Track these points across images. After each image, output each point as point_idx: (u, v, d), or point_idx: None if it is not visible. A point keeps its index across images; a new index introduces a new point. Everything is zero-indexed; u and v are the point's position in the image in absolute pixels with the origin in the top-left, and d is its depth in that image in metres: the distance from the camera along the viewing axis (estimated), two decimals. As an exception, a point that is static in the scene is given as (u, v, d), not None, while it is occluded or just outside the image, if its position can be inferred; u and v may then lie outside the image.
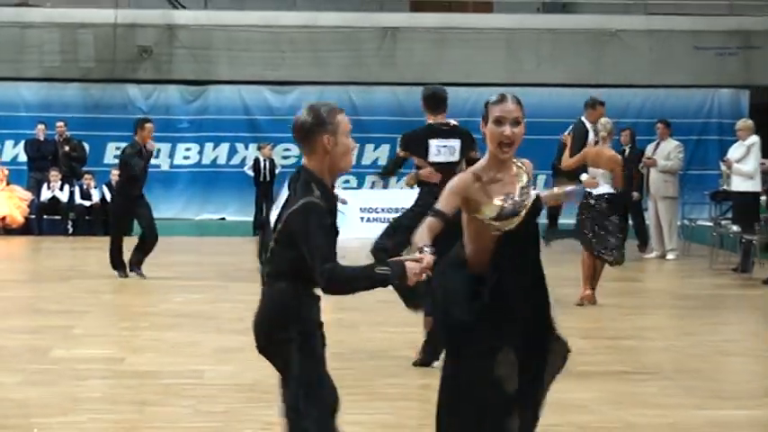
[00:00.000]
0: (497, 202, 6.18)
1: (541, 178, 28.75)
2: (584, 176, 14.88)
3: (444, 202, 6.22)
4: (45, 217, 25.98)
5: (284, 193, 6.13)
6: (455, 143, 11.36)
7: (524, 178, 6.32)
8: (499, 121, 6.17)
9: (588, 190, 14.57)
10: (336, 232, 5.96)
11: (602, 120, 15.33)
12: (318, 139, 5.94)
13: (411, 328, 11.27)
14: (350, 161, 6.10)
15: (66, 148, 26.83)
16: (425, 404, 9.23)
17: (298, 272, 5.90)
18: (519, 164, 6.39)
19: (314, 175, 5.94)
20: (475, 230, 6.26)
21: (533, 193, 6.31)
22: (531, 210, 6.26)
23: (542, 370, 6.48)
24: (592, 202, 14.72)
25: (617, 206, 15.03)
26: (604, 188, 14.81)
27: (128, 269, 17.65)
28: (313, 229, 5.80)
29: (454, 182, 6.30)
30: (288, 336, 6.03)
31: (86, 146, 27.49)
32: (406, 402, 9.35)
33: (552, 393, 9.59)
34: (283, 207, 6.01)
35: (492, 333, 6.18)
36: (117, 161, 21.00)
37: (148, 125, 18.00)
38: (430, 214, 6.20)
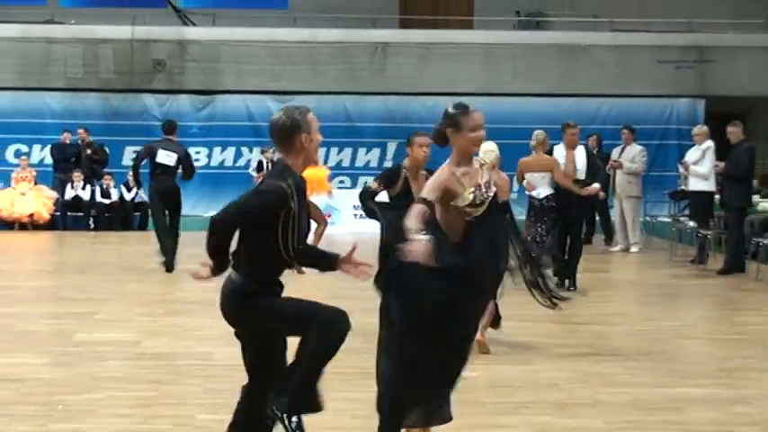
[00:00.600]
0: (470, 191, 6.63)
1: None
2: (524, 182, 15.06)
3: (429, 193, 6.57)
4: (69, 214, 25.98)
5: None
6: None
7: (486, 174, 6.75)
8: (477, 128, 6.63)
9: (534, 194, 14.77)
10: (306, 211, 6.36)
11: (535, 132, 15.23)
12: (297, 139, 6.31)
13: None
14: (317, 153, 6.52)
15: (89, 152, 26.85)
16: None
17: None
18: (481, 161, 6.84)
19: (290, 168, 6.26)
20: (449, 218, 6.63)
21: (493, 186, 6.79)
22: (494, 200, 6.76)
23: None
24: (537, 203, 14.87)
25: (560, 203, 15.04)
26: (546, 190, 14.90)
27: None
28: (250, 196, 6.34)
29: (436, 176, 6.69)
30: None
31: (107, 149, 27.47)
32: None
33: (527, 373, 9.62)
34: None
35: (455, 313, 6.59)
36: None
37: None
38: (418, 201, 6.55)
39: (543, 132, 15.40)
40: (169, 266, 17.33)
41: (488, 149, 13.64)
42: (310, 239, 17.30)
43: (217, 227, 6.26)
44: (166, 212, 18.10)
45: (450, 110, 6.72)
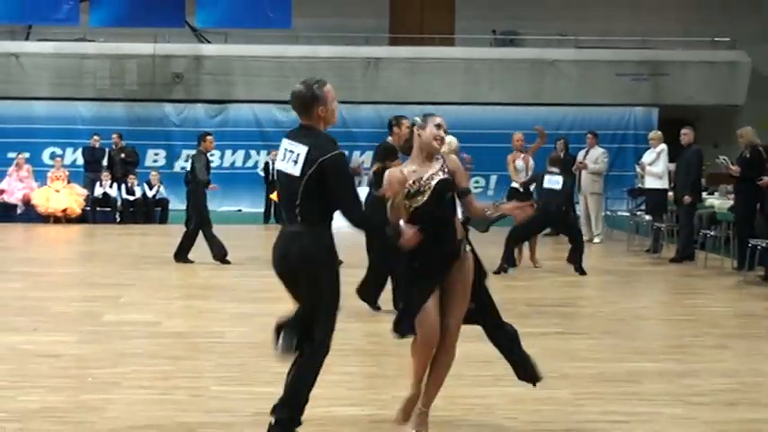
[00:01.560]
0: (408, 184, 6.59)
1: (493, 179, 28.84)
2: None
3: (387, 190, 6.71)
4: (98, 209, 25.92)
5: (292, 145, 6.28)
6: None
7: (436, 167, 6.66)
8: (439, 126, 6.70)
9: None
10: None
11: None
12: (315, 109, 6.25)
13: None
14: (336, 118, 6.39)
15: (122, 155, 26.81)
16: (401, 358, 9.21)
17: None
18: (439, 157, 6.76)
19: (325, 134, 6.26)
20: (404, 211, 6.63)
21: (440, 177, 6.61)
22: (436, 190, 6.57)
23: None
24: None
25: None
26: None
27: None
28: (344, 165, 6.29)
29: (387, 177, 6.71)
30: None
31: (137, 151, 27.43)
32: (386, 357, 9.31)
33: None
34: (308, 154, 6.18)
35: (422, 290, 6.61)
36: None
37: (210, 137, 17.32)
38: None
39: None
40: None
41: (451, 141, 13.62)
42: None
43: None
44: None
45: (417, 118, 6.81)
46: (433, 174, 6.62)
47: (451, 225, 6.66)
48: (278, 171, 6.37)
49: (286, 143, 6.35)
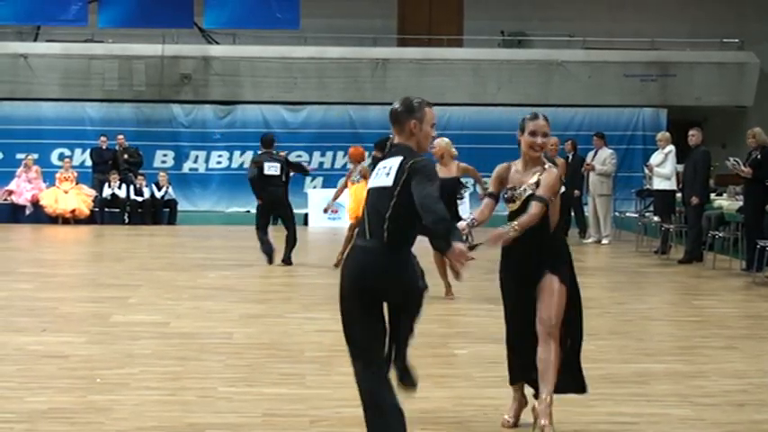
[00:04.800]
0: (511, 185, 6.78)
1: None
2: None
3: (491, 185, 6.94)
4: (106, 210, 25.93)
5: (385, 161, 6.12)
6: None
7: (534, 178, 6.70)
8: (533, 133, 6.70)
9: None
10: None
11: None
12: (407, 124, 6.07)
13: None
14: (428, 146, 6.25)
15: (126, 156, 26.85)
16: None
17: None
18: (540, 168, 6.77)
19: (412, 149, 6.04)
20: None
21: (531, 190, 6.68)
22: (524, 203, 6.68)
23: None
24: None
25: None
26: None
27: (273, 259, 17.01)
28: (429, 182, 5.90)
29: (495, 169, 6.95)
30: None
31: (141, 153, 27.45)
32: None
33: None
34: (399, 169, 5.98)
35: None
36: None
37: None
38: (485, 195, 6.92)
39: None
40: (286, 260, 16.84)
41: (445, 143, 13.58)
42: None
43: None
44: (277, 219, 17.85)
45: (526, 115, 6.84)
46: (531, 185, 6.70)
47: (547, 238, 6.76)
48: (369, 189, 6.15)
49: (380, 164, 6.17)
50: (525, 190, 6.66)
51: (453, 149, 13.47)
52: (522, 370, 6.99)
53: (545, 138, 6.73)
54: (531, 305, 6.76)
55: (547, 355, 6.71)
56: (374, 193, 6.06)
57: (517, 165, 6.83)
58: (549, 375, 6.70)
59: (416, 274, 5.99)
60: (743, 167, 16.20)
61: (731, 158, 16.63)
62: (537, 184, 6.65)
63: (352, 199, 16.39)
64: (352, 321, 5.96)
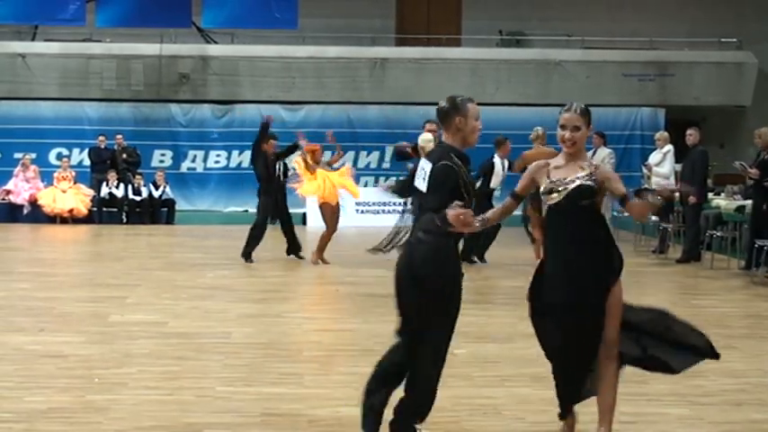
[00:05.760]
0: (552, 179, 6.42)
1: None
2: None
3: (519, 185, 6.61)
4: (104, 209, 25.94)
5: (424, 163, 6.34)
6: None
7: (582, 172, 6.43)
8: (563, 126, 6.47)
9: None
10: (472, 184, 6.29)
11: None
12: (453, 120, 6.25)
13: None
14: (476, 139, 6.38)
15: (124, 156, 26.86)
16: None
17: None
18: (589, 163, 6.56)
19: (449, 148, 6.23)
20: (542, 208, 6.55)
21: (581, 182, 6.39)
22: (571, 195, 6.36)
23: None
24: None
25: None
26: None
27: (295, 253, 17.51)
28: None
29: (529, 167, 6.66)
30: None
31: (139, 152, 27.45)
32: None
33: (509, 350, 9.58)
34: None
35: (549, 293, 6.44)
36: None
37: (273, 141, 17.70)
38: (508, 194, 6.61)
39: (541, 128, 15.29)
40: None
41: (427, 139, 13.70)
42: (314, 241, 17.34)
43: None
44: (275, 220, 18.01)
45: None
46: (578, 177, 6.40)
47: (591, 239, 6.43)
48: (412, 186, 6.46)
49: (420, 162, 6.44)
50: (573, 181, 6.38)
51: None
52: (572, 397, 6.68)
53: (575, 132, 6.45)
54: (582, 331, 6.39)
55: (609, 380, 6.49)
56: (415, 192, 6.39)
57: (557, 161, 6.54)
58: (610, 403, 6.49)
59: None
60: (749, 169, 16.17)
61: (737, 162, 16.62)
62: (589, 176, 6.43)
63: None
64: None
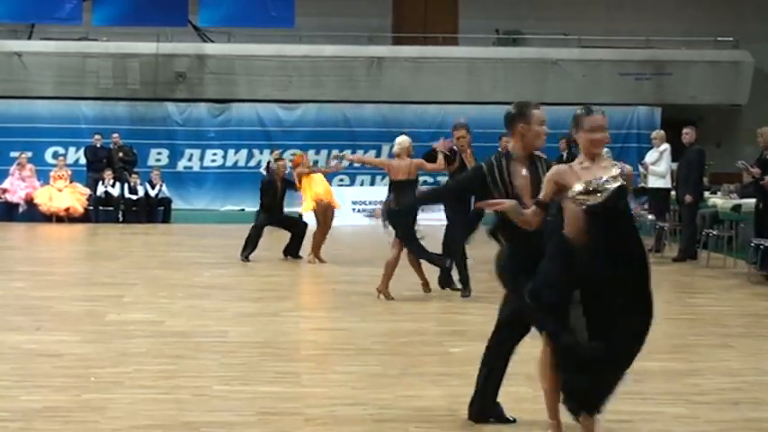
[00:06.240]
0: (585, 180, 6.23)
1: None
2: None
3: (542, 192, 6.40)
4: (100, 208, 25.91)
5: None
6: None
7: (614, 171, 6.32)
8: (595, 129, 6.33)
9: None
10: (505, 184, 6.59)
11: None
12: (516, 126, 6.56)
13: (397, 312, 11.20)
14: (541, 143, 6.64)
15: (121, 154, 26.84)
16: (405, 357, 9.23)
17: None
18: (614, 162, 6.48)
19: (498, 152, 6.81)
20: (569, 213, 6.25)
21: (619, 183, 6.27)
22: (614, 194, 6.22)
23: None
24: None
25: None
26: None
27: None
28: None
29: (550, 171, 6.44)
30: None
31: (135, 151, 27.43)
32: (389, 356, 9.31)
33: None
34: None
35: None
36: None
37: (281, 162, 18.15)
38: (532, 202, 6.45)
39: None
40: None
41: (399, 142, 13.62)
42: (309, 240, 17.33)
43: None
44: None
45: (577, 111, 6.48)
46: (614, 177, 6.27)
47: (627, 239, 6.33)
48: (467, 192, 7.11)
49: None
50: (608, 181, 6.22)
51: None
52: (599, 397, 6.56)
53: (606, 132, 6.37)
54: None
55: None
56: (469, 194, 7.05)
57: (580, 163, 6.36)
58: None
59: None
60: (750, 168, 16.16)
61: (740, 161, 16.62)
62: (620, 175, 6.30)
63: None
64: None
